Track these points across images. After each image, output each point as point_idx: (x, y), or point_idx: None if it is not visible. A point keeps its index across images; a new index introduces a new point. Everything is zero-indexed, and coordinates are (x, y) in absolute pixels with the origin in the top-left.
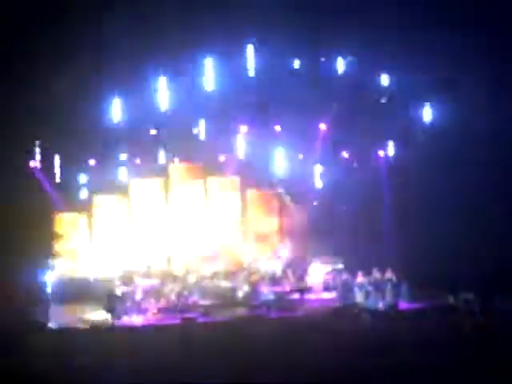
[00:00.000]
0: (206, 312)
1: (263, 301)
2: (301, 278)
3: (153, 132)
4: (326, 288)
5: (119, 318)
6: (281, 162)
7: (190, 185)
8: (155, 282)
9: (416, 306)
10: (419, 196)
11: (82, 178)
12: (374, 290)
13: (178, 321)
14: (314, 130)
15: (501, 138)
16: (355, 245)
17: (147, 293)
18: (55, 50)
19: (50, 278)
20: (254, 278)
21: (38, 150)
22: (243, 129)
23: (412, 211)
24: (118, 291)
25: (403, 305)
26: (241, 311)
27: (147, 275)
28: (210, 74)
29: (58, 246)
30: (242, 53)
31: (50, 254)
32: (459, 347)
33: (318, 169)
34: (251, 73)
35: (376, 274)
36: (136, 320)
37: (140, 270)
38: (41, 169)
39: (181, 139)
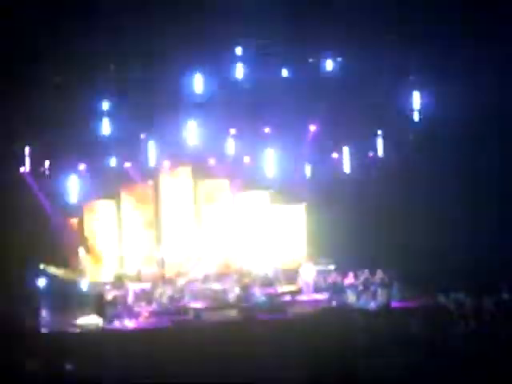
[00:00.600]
0: (198, 315)
1: (255, 303)
2: (292, 279)
3: (142, 136)
4: (317, 289)
5: (110, 322)
6: (271, 163)
7: (180, 188)
8: (146, 285)
9: (407, 305)
10: (410, 196)
11: (73, 183)
12: (365, 291)
13: (169, 324)
14: (303, 130)
15: (492, 132)
16: (346, 245)
17: (138, 296)
18: (46, 56)
19: (42, 283)
20: (245, 280)
21: (27, 155)
22: (232, 131)
23: (402, 211)
24: (109, 295)
25: (394, 304)
26: (232, 313)
27: (138, 279)
28: (198, 75)
29: (48, 251)
30: (230, 55)
31: (40, 258)
32: (449, 346)
33: (308, 169)
34: (240, 75)
35: (367, 275)
36: (127, 324)
37: (131, 274)
38: (31, 174)
39: (170, 143)
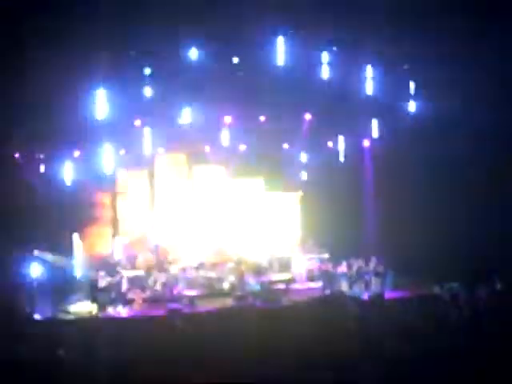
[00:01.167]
0: (192, 302)
1: (249, 291)
2: (286, 267)
3: (137, 122)
4: (311, 278)
5: (104, 308)
6: (266, 151)
7: (176, 174)
8: (141, 272)
9: (401, 295)
10: (404, 185)
11: (67, 170)
12: (358, 279)
13: (163, 311)
14: (299, 119)
15: (486, 128)
16: (340, 234)
17: (132, 283)
18: (39, 41)
19: (35, 269)
20: (240, 268)
21: (22, 141)
22: (228, 119)
23: (396, 200)
24: (103, 282)
25: (388, 294)
26: (226, 301)
27: (132, 266)
28: (194, 63)
29: (42, 237)
30: (227, 43)
31: (35, 245)
32: (444, 336)
33: (303, 158)
34: (236, 63)
35: (361, 264)
36: (121, 311)
37: (125, 261)
38: (24, 159)
39: (165, 129)
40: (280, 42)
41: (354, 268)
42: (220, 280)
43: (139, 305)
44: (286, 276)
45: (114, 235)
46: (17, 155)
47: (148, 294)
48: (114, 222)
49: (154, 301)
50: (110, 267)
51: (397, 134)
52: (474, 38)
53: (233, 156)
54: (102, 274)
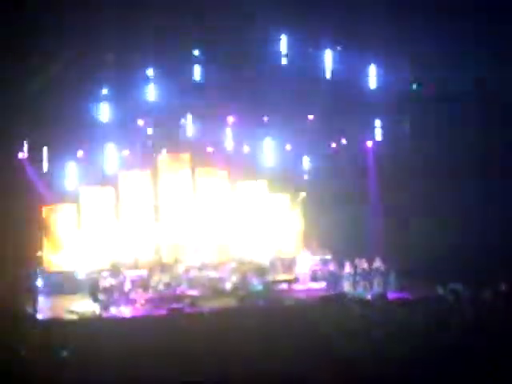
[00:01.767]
0: (194, 302)
1: (251, 291)
2: (289, 268)
3: (140, 123)
4: (314, 278)
5: (107, 308)
6: (269, 152)
7: (178, 176)
8: (143, 272)
9: (404, 296)
10: (408, 185)
11: (70, 170)
12: (362, 280)
13: (165, 311)
14: (302, 120)
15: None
16: (343, 235)
17: (135, 284)
18: (44, 42)
19: (38, 270)
20: (242, 268)
21: (25, 141)
22: (231, 119)
23: (400, 201)
24: (106, 282)
25: (391, 295)
26: (229, 302)
27: (135, 266)
28: (197, 64)
29: (45, 238)
30: (230, 43)
31: (37, 245)
32: (447, 337)
33: (306, 159)
34: (239, 63)
35: (364, 264)
36: (124, 311)
37: (128, 261)
38: (29, 160)
39: (168, 130)
40: (283, 42)
41: (358, 269)
42: (222, 280)
43: (142, 305)
44: (288, 276)
45: (116, 235)
46: (21, 156)
47: (151, 294)
48: (117, 223)
49: (156, 301)
50: (113, 267)
51: (400, 135)
52: (476, 37)
53: (236, 158)
54: (104, 274)
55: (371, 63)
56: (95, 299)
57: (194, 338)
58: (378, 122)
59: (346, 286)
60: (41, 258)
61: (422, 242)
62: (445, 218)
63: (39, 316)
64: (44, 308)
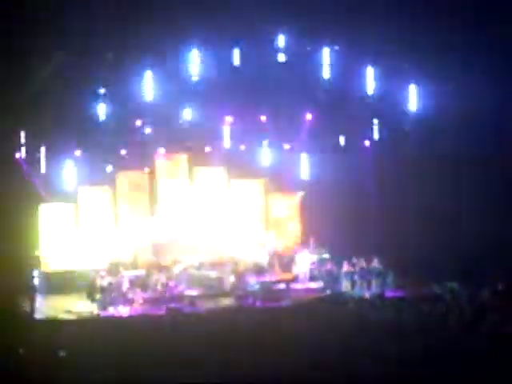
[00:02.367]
0: (192, 302)
1: (249, 291)
2: (287, 267)
3: (138, 123)
4: (312, 277)
5: (105, 308)
6: (267, 151)
7: (176, 175)
8: (141, 272)
9: (402, 294)
10: (405, 184)
11: (68, 169)
12: (359, 279)
13: (163, 311)
14: (300, 119)
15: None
16: (341, 234)
17: (133, 283)
18: (42, 41)
19: (36, 269)
20: (241, 268)
21: (23, 141)
22: (229, 119)
23: (398, 200)
24: (104, 282)
25: (389, 293)
26: (227, 301)
27: (133, 266)
28: (195, 64)
29: (43, 237)
30: (227, 43)
31: (36, 244)
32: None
33: (305, 158)
34: (236, 62)
35: (362, 263)
36: (122, 310)
37: (126, 261)
38: (26, 160)
39: (166, 130)
40: (281, 42)
41: (356, 268)
42: (220, 280)
43: (140, 305)
44: (286, 276)
45: (115, 234)
46: (19, 156)
47: (149, 293)
48: (115, 222)
49: (154, 301)
50: (112, 267)
51: (398, 134)
52: (475, 37)
53: (233, 157)
54: (102, 273)
55: (370, 62)
56: (92, 299)
57: (192, 337)
58: (376, 121)
59: (344, 286)
60: (38, 257)
61: (419, 242)
62: (442, 218)
63: (37, 315)
64: (42, 307)
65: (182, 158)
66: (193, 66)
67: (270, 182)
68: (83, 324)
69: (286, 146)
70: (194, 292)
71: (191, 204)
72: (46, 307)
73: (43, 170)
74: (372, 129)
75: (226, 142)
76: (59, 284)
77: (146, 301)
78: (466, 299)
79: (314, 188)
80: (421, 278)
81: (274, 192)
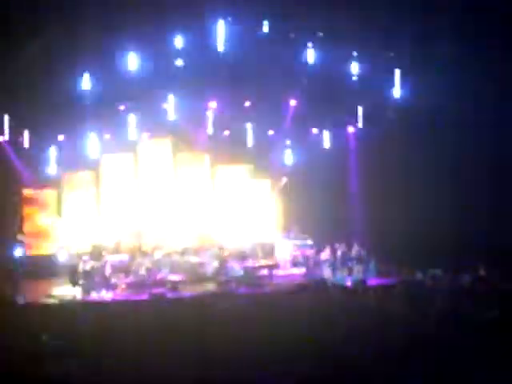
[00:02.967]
0: (175, 287)
1: (232, 276)
2: (269, 254)
3: (122, 107)
4: (295, 264)
5: (87, 293)
6: (250, 137)
7: (160, 160)
8: (124, 257)
9: (384, 281)
10: (388, 171)
11: (52, 153)
12: (341, 266)
13: (147, 296)
14: (284, 105)
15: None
16: (323, 220)
17: (116, 268)
18: (25, 24)
19: (19, 254)
20: (223, 253)
21: (6, 124)
22: (213, 104)
23: (380, 187)
24: (87, 266)
25: (371, 280)
26: (210, 287)
27: (116, 250)
28: (179, 48)
29: (27, 221)
30: (212, 28)
31: (18, 229)
32: (427, 323)
33: (288, 144)
34: (221, 48)
35: (343, 249)
36: (105, 295)
37: (109, 246)
38: (10, 143)
39: (150, 114)
40: (265, 28)
41: (338, 254)
42: (203, 265)
43: (123, 289)
44: (269, 262)
45: (97, 219)
46: (3, 139)
47: (132, 278)
48: (98, 207)
49: (137, 286)
50: (94, 252)
51: (382, 121)
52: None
53: (217, 142)
54: (85, 258)
55: (354, 50)
56: (74, 284)
57: (175, 322)
58: (360, 109)
59: (326, 272)
60: (21, 241)
61: (401, 228)
62: (424, 204)
63: (19, 300)
64: (24, 292)
65: (166, 143)
66: (177, 51)
67: (254, 167)
68: (65, 309)
69: (270, 132)
70: (176, 277)
71: (175, 189)
72: (29, 291)
73: (26, 153)
74: (356, 116)
75: (210, 128)
76: (42, 268)
77: (129, 286)
78: (447, 286)
79: (297, 174)
80: (403, 264)
81: (257, 178)
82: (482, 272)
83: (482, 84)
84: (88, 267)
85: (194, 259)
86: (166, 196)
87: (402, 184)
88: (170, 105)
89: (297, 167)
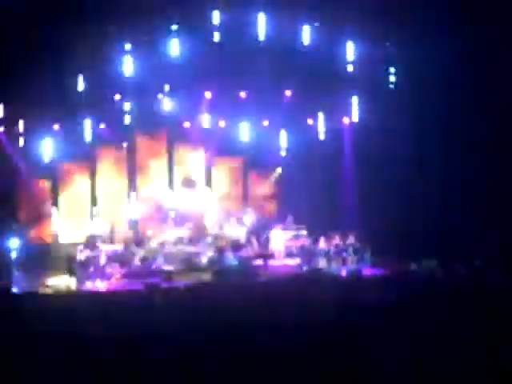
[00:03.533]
0: (170, 277)
1: (227, 266)
2: (264, 244)
3: (117, 97)
4: (289, 254)
5: (82, 283)
6: (245, 128)
7: (155, 151)
8: (119, 247)
9: (378, 272)
10: (383, 162)
11: (47, 144)
12: (336, 256)
13: (141, 286)
14: (279, 96)
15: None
16: (318, 210)
17: (111, 258)
18: (20, 14)
19: (14, 243)
20: (218, 243)
21: (1, 114)
22: (207, 95)
23: (375, 177)
24: (82, 256)
25: (366, 271)
26: (205, 276)
27: (111, 240)
28: (174, 39)
29: (21, 211)
30: (207, 19)
31: (13, 219)
32: (421, 313)
33: (283, 135)
34: (216, 39)
35: (338, 240)
36: (99, 285)
37: (103, 235)
38: (5, 133)
39: (145, 105)
40: (261, 17)
41: (333, 244)
42: (198, 255)
43: (117, 279)
44: (264, 252)
45: (92, 209)
46: None
47: (126, 268)
48: (93, 197)
49: (132, 275)
50: (89, 241)
51: (377, 111)
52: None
53: (212, 133)
54: (80, 247)
55: (349, 39)
56: (71, 273)
57: (169, 312)
58: (355, 99)
59: (321, 262)
60: (16, 231)
61: (396, 218)
62: (419, 194)
63: (14, 290)
64: (19, 281)
65: (162, 134)
66: (171, 41)
67: (249, 158)
68: (60, 298)
69: (265, 123)
70: (171, 267)
71: (169, 180)
72: (23, 282)
73: (22, 143)
74: (351, 106)
75: (205, 119)
76: (37, 258)
77: (123, 275)
78: (442, 276)
79: (292, 164)
80: (397, 255)
81: (253, 168)
82: (477, 262)
83: (480, 71)
84: (83, 257)
85: (188, 249)
86: (162, 186)
87: (396, 173)
88: (165, 96)
89: (291, 157)
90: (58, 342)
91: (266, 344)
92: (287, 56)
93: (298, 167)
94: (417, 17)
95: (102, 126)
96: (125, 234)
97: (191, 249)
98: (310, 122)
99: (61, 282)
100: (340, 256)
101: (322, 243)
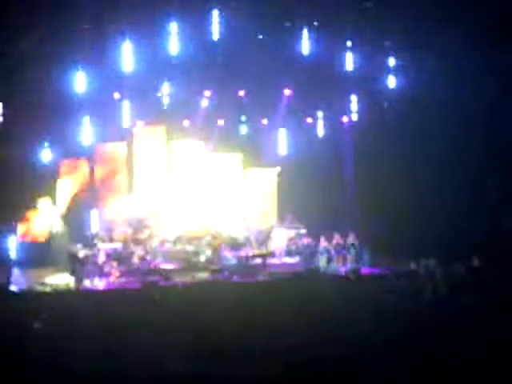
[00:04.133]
0: (168, 276)
1: (226, 265)
2: (263, 242)
3: (116, 95)
4: (289, 253)
5: (81, 281)
6: (244, 125)
7: (154, 149)
8: (118, 245)
9: (378, 271)
10: (383, 160)
11: (46, 141)
12: (336, 255)
13: (139, 284)
14: (278, 94)
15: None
16: (318, 210)
17: (110, 256)
18: (17, 13)
19: (12, 241)
20: (217, 242)
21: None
22: (207, 93)
23: (374, 177)
24: (81, 254)
25: (365, 270)
26: (203, 275)
27: (110, 239)
28: (174, 37)
29: (20, 209)
30: (207, 17)
31: (12, 217)
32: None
33: (282, 134)
34: (215, 37)
35: (338, 239)
36: (98, 283)
37: (102, 234)
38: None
39: (144, 102)
40: (260, 17)
41: (333, 243)
42: (197, 254)
43: (116, 278)
44: (263, 251)
45: (92, 207)
46: None
47: (125, 267)
48: (93, 195)
49: (130, 274)
50: (87, 239)
51: (376, 110)
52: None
53: (212, 131)
54: (79, 246)
55: (348, 39)
56: (73, 271)
57: (167, 312)
58: (354, 97)
59: (321, 261)
60: (14, 228)
61: (395, 218)
62: (418, 194)
63: (12, 287)
64: (17, 279)
65: (160, 130)
66: (171, 40)
67: (248, 156)
68: (59, 296)
69: (264, 121)
70: (170, 266)
71: (169, 177)
72: (21, 280)
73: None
74: (350, 105)
75: (204, 117)
76: (35, 256)
77: (122, 274)
78: (441, 275)
79: (292, 163)
80: (397, 254)
81: (252, 167)
82: (475, 262)
83: (480, 74)
84: (82, 255)
85: (187, 248)
86: (161, 184)
87: (396, 173)
88: (165, 93)
89: (291, 156)
90: (56, 340)
91: (265, 342)
92: (286, 55)
93: (298, 166)
94: (416, 17)
95: (101, 123)
96: (124, 232)
97: (190, 248)
98: (309, 120)
99: (59, 280)
100: (340, 255)
101: (322, 242)
